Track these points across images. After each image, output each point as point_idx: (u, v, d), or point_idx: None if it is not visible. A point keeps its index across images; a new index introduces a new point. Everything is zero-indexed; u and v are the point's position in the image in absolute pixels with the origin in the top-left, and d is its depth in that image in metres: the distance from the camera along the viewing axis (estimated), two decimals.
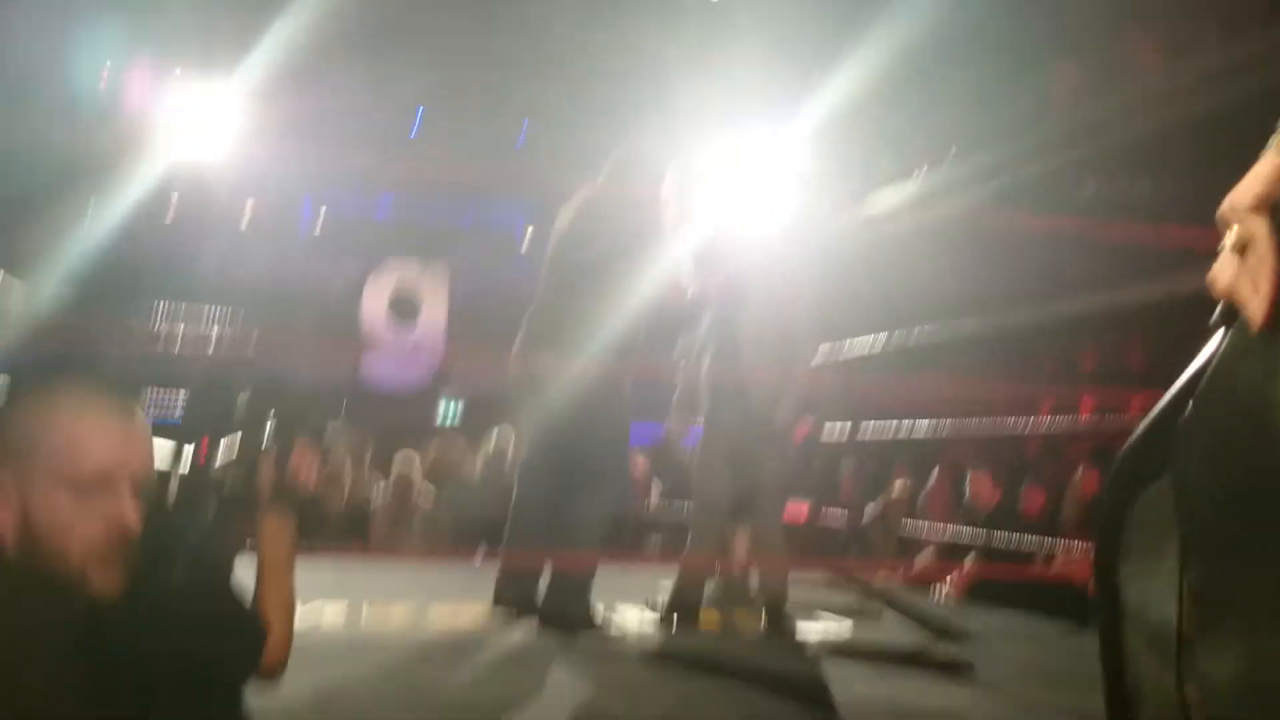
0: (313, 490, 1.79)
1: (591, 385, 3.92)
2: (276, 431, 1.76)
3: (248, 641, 1.63)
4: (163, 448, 1.74)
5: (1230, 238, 1.16)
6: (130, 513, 1.40)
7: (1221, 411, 1.14)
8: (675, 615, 4.26)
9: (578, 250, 4.07)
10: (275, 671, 1.69)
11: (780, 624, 4.26)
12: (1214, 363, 1.17)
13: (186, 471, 1.72)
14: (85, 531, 1.35)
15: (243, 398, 1.78)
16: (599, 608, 4.05)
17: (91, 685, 1.36)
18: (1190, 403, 1.18)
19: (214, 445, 1.75)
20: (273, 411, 1.78)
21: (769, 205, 6.40)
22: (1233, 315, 1.15)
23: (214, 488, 1.73)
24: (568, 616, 3.89)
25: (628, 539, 6.73)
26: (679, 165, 4.30)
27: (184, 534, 1.67)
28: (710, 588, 4.57)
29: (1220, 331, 1.18)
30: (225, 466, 1.73)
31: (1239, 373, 1.14)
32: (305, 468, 1.77)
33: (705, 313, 4.68)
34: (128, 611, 1.45)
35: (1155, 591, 1.15)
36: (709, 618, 4.36)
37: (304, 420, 1.80)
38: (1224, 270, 1.16)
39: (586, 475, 4.01)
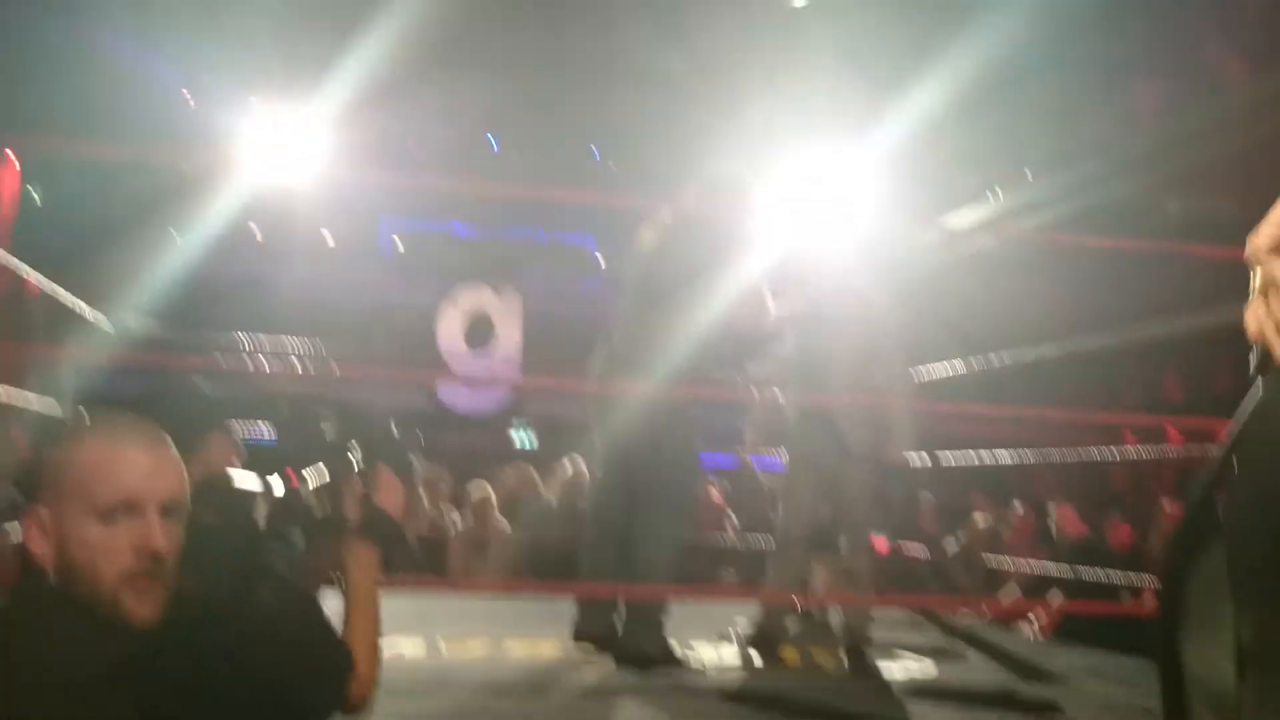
0: (399, 518, 1.78)
1: (660, 407, 3.87)
2: (362, 459, 1.75)
3: (335, 672, 1.62)
4: (251, 477, 1.75)
5: (1255, 281, 1.12)
6: (159, 537, 1.40)
7: (1264, 462, 1.09)
8: (756, 650, 4.19)
9: (662, 270, 4.03)
10: (362, 705, 1.67)
11: (862, 662, 4.15)
12: (1253, 412, 1.12)
13: (278, 498, 1.72)
14: (115, 558, 1.37)
15: (328, 426, 1.78)
16: (675, 642, 3.98)
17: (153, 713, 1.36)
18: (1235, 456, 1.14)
19: (300, 473, 1.75)
20: (357, 439, 1.78)
21: (849, 225, 6.32)
22: (1268, 362, 1.11)
23: (302, 515, 1.73)
24: (643, 652, 3.84)
25: (704, 570, 6.69)
26: (759, 187, 4.27)
27: (273, 561, 1.68)
28: (791, 622, 4.50)
29: (1259, 380, 1.13)
30: (312, 494, 1.72)
31: (1275, 420, 1.09)
32: (391, 495, 1.76)
33: (788, 336, 4.60)
34: (212, 635, 1.46)
35: (1215, 655, 1.12)
36: (790, 654, 4.28)
37: (389, 448, 1.79)
38: (1252, 315, 1.11)
39: (651, 500, 3.96)
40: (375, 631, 1.72)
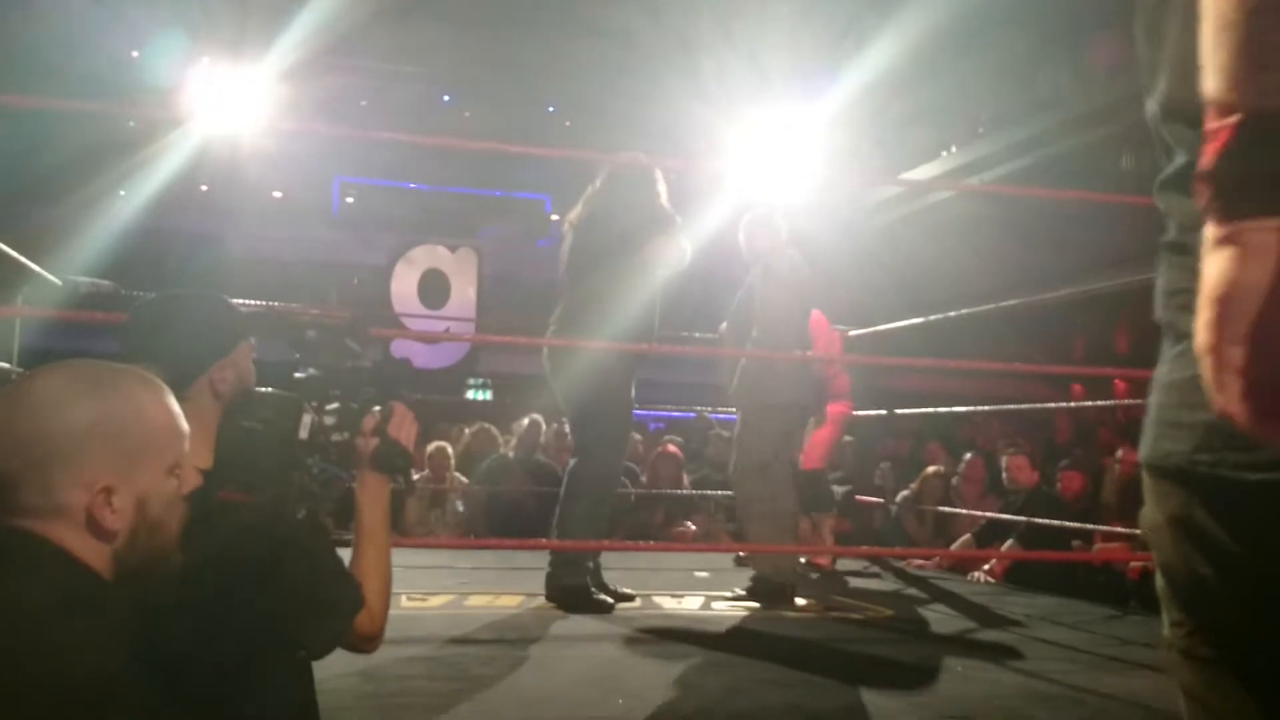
0: (411, 453, 1.76)
1: (591, 365, 4.07)
2: (375, 397, 1.73)
3: (348, 604, 1.61)
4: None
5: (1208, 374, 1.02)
6: (195, 480, 1.37)
7: None
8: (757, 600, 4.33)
9: (587, 240, 4.25)
10: (375, 639, 1.66)
11: (775, 602, 4.28)
12: None
13: (302, 435, 1.68)
14: (178, 508, 1.33)
15: (350, 353, 1.77)
16: (614, 588, 4.15)
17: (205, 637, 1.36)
18: None
19: (322, 397, 1.73)
20: (375, 373, 1.77)
21: (800, 183, 6.34)
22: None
23: (319, 450, 1.70)
24: (563, 589, 4.00)
25: (661, 521, 6.73)
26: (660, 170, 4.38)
27: (309, 478, 1.67)
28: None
29: None
30: (328, 429, 1.69)
31: None
32: (406, 429, 1.74)
33: (738, 293, 4.72)
34: (247, 547, 1.47)
35: None
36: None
37: (404, 384, 1.78)
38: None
39: (581, 451, 4.21)
40: (387, 565, 1.70)
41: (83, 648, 1.15)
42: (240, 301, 2.00)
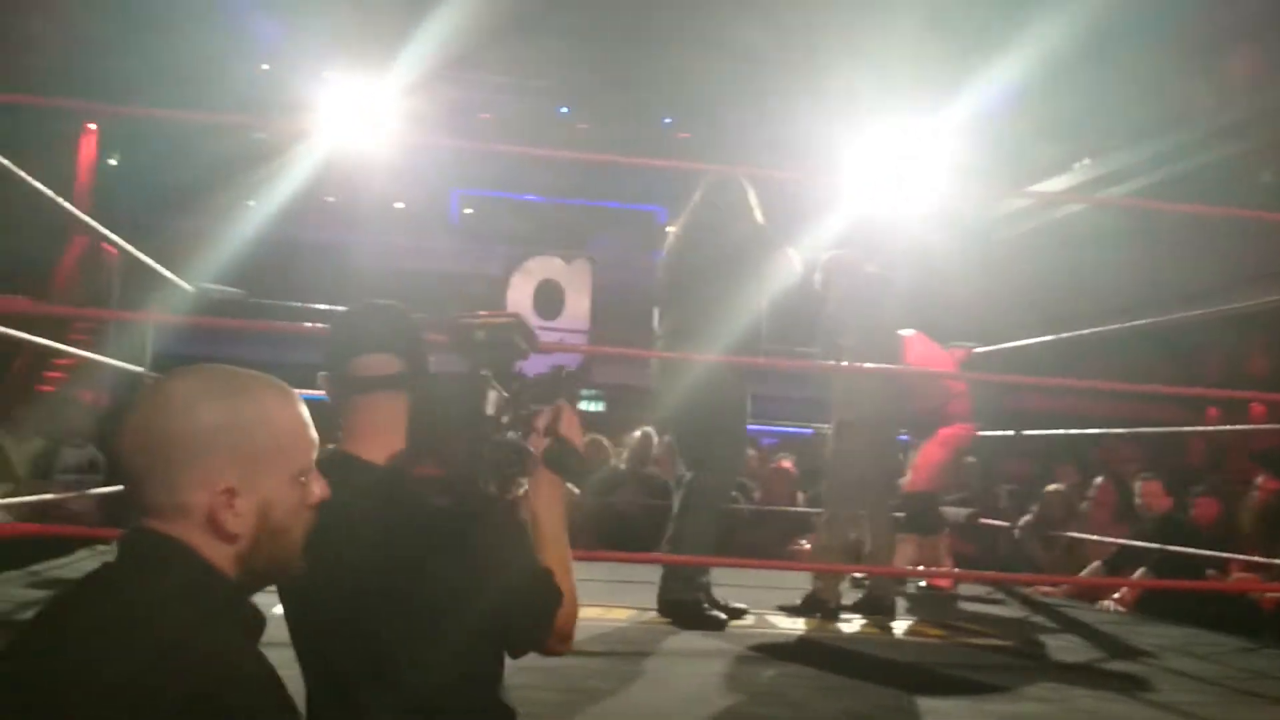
0: (580, 451, 1.74)
1: (703, 380, 4.01)
2: (541, 396, 1.72)
3: (550, 602, 1.59)
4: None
5: None
6: (325, 486, 1.34)
7: None
8: (808, 613, 4.28)
9: (683, 262, 4.24)
10: (570, 638, 1.63)
11: (882, 622, 4.24)
12: None
13: (489, 412, 1.65)
14: (306, 516, 1.30)
15: (520, 354, 1.74)
16: (725, 604, 4.08)
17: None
18: None
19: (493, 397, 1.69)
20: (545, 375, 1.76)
21: (923, 197, 6.23)
22: None
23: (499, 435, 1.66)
24: (678, 603, 3.95)
25: (775, 540, 6.63)
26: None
27: (489, 468, 1.62)
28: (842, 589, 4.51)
29: None
30: (502, 427, 1.66)
31: None
32: (575, 429, 1.72)
33: (846, 309, 4.63)
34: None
35: None
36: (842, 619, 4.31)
37: (572, 385, 1.76)
38: None
39: (697, 467, 4.13)
40: (569, 565, 1.67)
41: (219, 649, 1.13)
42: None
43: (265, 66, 12.00)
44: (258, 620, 1.25)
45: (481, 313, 1.77)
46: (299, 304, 7.16)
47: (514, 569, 1.56)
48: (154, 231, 8.54)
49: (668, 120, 15.01)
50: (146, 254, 5.06)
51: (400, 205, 15.04)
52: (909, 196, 6.13)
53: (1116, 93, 9.27)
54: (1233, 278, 7.08)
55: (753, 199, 4.27)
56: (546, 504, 1.68)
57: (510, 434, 1.65)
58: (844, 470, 4.51)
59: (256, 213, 11.19)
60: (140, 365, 5.32)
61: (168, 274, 5.34)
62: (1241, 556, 5.34)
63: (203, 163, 10.75)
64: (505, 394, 1.66)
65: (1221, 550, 5.32)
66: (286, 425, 1.29)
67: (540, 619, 1.57)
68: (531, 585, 1.57)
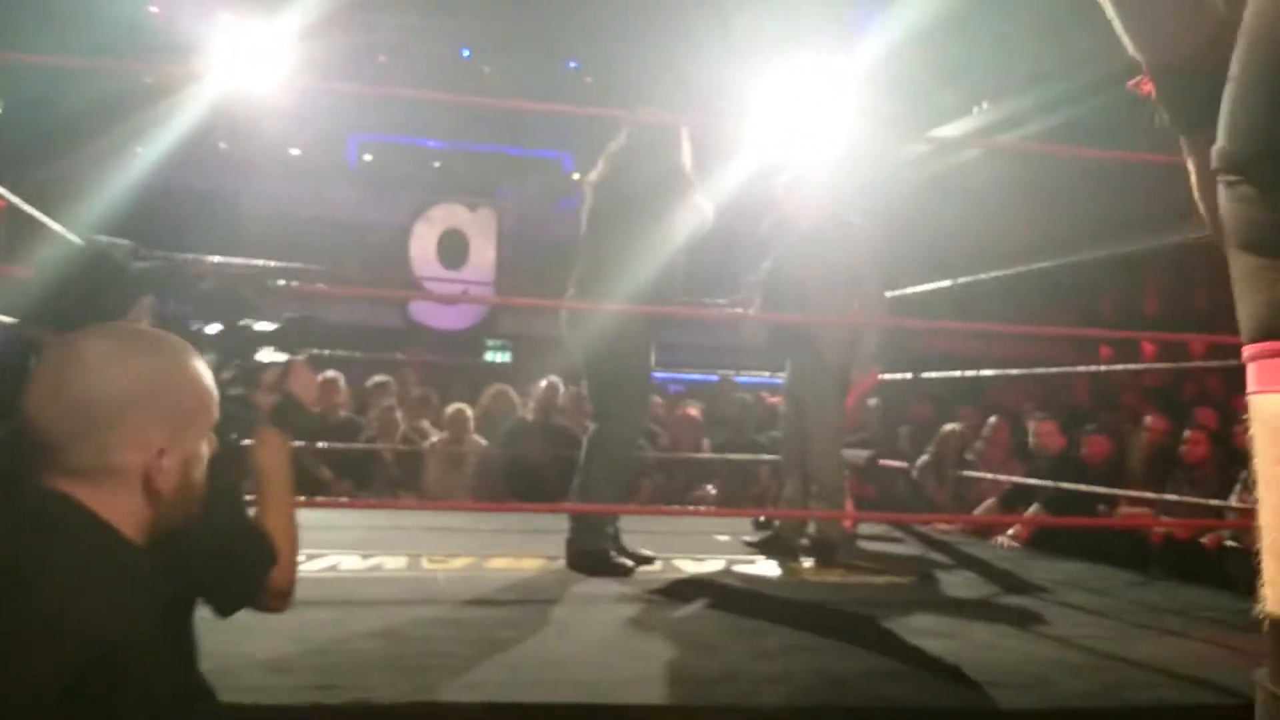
0: (312, 407, 1.74)
1: (610, 326, 4.00)
2: (281, 348, 1.71)
3: (261, 560, 1.57)
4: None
5: None
6: (213, 445, 1.37)
7: None
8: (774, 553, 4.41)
9: (604, 199, 4.18)
10: (287, 597, 1.61)
11: (829, 568, 4.30)
12: None
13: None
14: (203, 471, 1.33)
15: (248, 306, 1.72)
16: (634, 551, 4.11)
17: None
18: None
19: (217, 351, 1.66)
20: (279, 327, 1.73)
21: (830, 141, 6.23)
22: None
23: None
24: (583, 554, 3.97)
25: (681, 485, 6.69)
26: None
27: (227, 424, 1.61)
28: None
29: None
30: (226, 383, 1.63)
31: None
32: (305, 385, 1.72)
33: (768, 254, 4.66)
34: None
35: None
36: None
37: (302, 340, 1.74)
38: None
39: (601, 415, 4.14)
40: (293, 526, 1.66)
41: (103, 607, 1.14)
42: (164, 255, 1.92)
43: (154, 9, 11.52)
44: (154, 581, 1.23)
45: (214, 260, 1.75)
46: (191, 255, 6.94)
47: (215, 522, 1.48)
48: (30, 177, 8.18)
49: (573, 64, 14.82)
50: (28, 203, 4.83)
51: (296, 152, 14.63)
52: (813, 140, 6.13)
53: (1015, 36, 9.40)
54: (1127, 221, 7.25)
55: (685, 144, 4.20)
56: (272, 462, 1.66)
57: (233, 392, 1.62)
58: (809, 417, 4.51)
59: (145, 159, 10.78)
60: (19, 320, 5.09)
61: (52, 224, 5.11)
62: (1131, 493, 5.53)
63: (86, 107, 10.31)
64: (222, 352, 1.63)
65: (1111, 487, 5.51)
66: (203, 381, 1.32)
67: (248, 580, 1.55)
68: (237, 540, 1.54)
